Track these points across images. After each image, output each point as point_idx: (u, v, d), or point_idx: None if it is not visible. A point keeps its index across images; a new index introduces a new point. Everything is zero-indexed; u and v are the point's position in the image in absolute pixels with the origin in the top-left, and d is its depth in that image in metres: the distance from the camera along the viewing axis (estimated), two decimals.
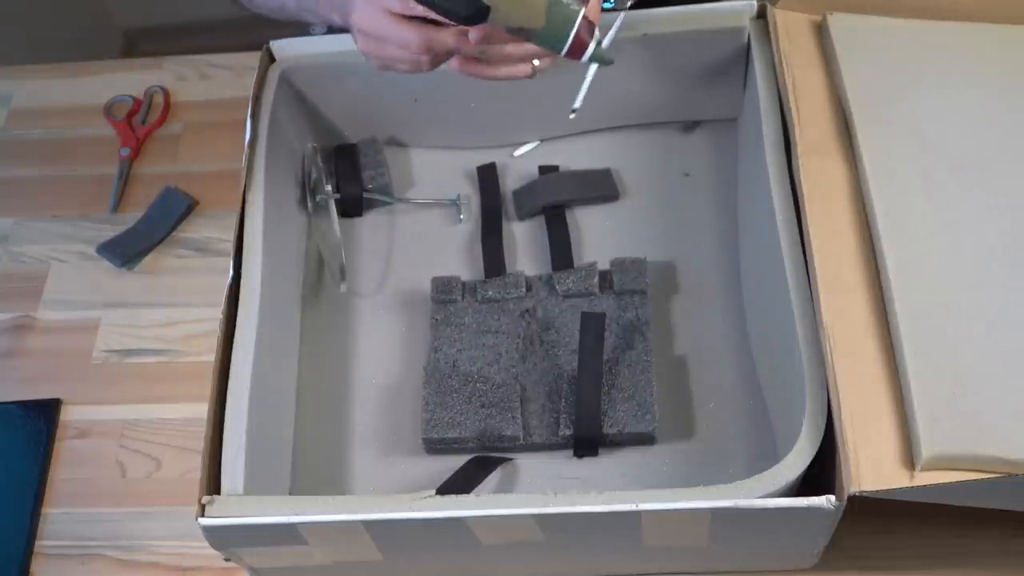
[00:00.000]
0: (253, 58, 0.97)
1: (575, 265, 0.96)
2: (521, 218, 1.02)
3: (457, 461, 0.86)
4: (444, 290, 0.95)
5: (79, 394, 0.98)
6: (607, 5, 0.74)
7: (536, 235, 1.00)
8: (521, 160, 1.05)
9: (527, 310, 0.93)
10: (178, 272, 1.05)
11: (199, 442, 0.76)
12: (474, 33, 0.70)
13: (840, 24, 0.89)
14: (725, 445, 0.87)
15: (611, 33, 0.69)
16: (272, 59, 0.98)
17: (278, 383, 0.88)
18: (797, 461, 0.72)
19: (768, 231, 0.84)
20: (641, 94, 1.01)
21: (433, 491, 0.73)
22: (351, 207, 1.02)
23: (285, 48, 0.98)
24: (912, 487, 0.68)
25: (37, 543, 0.91)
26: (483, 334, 0.92)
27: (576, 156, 1.04)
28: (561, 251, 0.98)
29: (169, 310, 1.03)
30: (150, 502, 0.92)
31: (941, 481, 0.68)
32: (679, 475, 0.86)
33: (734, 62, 0.96)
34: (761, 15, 0.93)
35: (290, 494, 0.86)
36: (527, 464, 0.88)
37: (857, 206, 0.80)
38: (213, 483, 0.76)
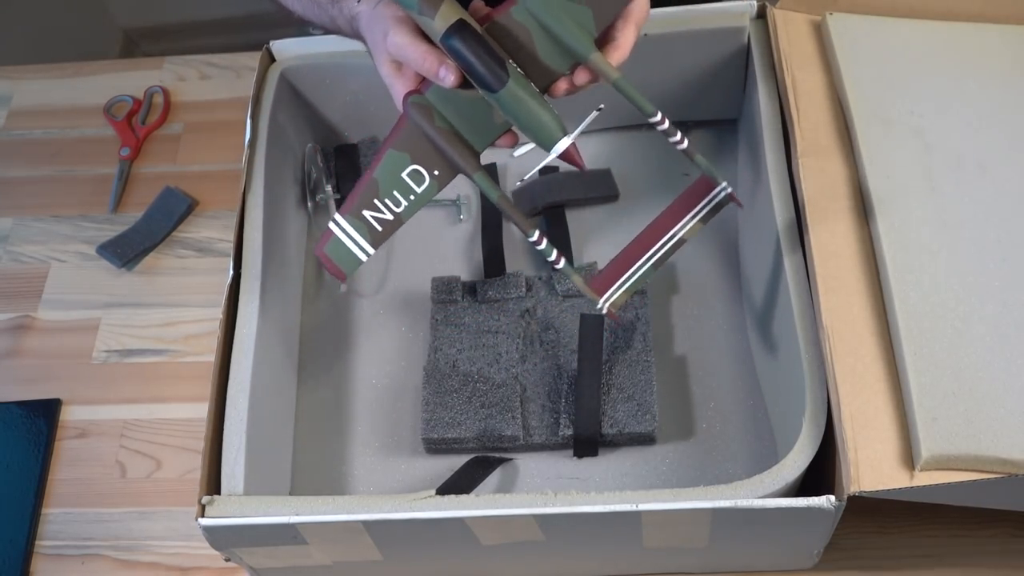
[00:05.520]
0: (253, 58, 0.98)
1: (575, 265, 0.96)
2: None
3: (457, 461, 0.87)
4: (444, 290, 0.95)
5: (79, 394, 0.98)
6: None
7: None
8: (521, 160, 1.05)
9: (527, 310, 0.93)
10: (178, 272, 1.05)
11: (199, 442, 0.76)
12: (450, 79, 0.70)
13: (840, 24, 0.89)
14: (725, 445, 0.87)
15: (578, 130, 0.72)
16: (272, 59, 0.98)
17: (278, 383, 0.88)
18: (797, 461, 0.72)
19: (768, 231, 0.84)
20: (641, 94, 1.01)
21: (433, 491, 0.73)
22: None
23: (285, 48, 0.98)
24: (912, 487, 0.68)
25: (37, 543, 0.91)
26: (483, 334, 0.92)
27: None
28: (561, 251, 0.97)
29: (169, 310, 1.03)
30: (150, 502, 0.92)
31: (940, 481, 0.68)
32: (679, 475, 0.86)
33: (734, 62, 0.96)
34: (761, 15, 0.93)
35: (290, 494, 0.87)
36: (527, 464, 0.88)
37: (857, 206, 0.80)
38: (213, 483, 0.76)
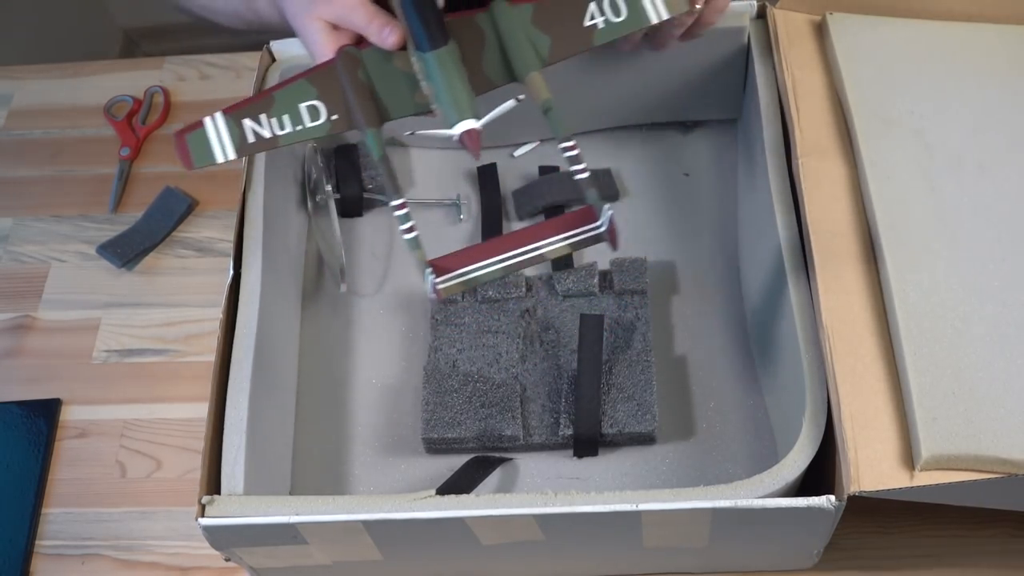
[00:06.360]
0: (253, 58, 0.97)
1: (575, 265, 0.96)
2: (521, 218, 1.02)
3: (457, 461, 0.87)
4: None
5: (79, 394, 0.98)
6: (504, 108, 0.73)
7: None
8: (521, 160, 1.05)
9: (527, 310, 0.93)
10: (178, 272, 1.05)
11: (199, 442, 0.76)
12: (392, 40, 0.72)
13: (840, 24, 0.89)
14: (725, 445, 0.87)
15: (490, 116, 0.72)
16: (272, 59, 0.98)
17: (278, 383, 0.88)
18: (797, 461, 0.72)
19: (768, 231, 0.84)
20: (641, 94, 1.01)
21: (433, 491, 0.73)
22: (351, 207, 1.02)
23: (285, 48, 0.98)
24: (912, 487, 0.68)
25: (37, 543, 0.91)
26: (483, 334, 0.92)
27: None
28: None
29: (169, 310, 1.03)
30: (150, 502, 0.92)
31: (940, 481, 0.68)
32: (679, 475, 0.86)
33: (734, 62, 0.96)
34: (761, 15, 0.93)
35: (290, 494, 0.87)
36: (527, 464, 0.88)
37: (857, 206, 0.80)
38: (213, 483, 0.76)
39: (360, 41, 0.74)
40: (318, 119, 0.73)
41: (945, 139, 0.82)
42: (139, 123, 1.16)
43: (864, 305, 0.75)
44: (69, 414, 0.98)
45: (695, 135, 1.05)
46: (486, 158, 1.04)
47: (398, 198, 0.70)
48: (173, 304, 1.03)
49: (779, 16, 0.91)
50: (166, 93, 1.18)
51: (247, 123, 0.73)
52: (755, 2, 0.93)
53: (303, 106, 0.73)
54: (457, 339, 0.92)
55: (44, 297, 1.05)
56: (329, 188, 0.99)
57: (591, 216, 0.70)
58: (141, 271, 1.06)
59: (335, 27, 0.74)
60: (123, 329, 1.02)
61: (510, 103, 0.71)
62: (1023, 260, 0.76)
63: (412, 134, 0.78)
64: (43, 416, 0.97)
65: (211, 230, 1.07)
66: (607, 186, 1.01)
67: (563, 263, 0.96)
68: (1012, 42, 0.89)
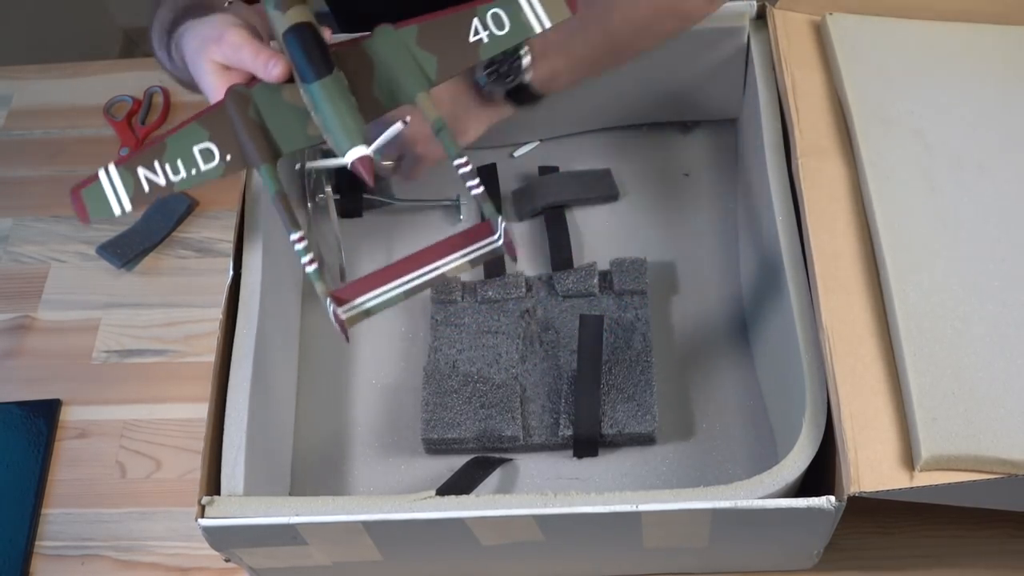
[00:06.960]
0: None
1: (575, 265, 0.96)
2: (521, 218, 1.02)
3: (457, 461, 0.87)
4: (444, 290, 0.95)
5: (79, 394, 0.98)
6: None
7: (536, 235, 1.00)
8: (521, 160, 1.05)
9: (527, 310, 0.93)
10: (178, 272, 1.05)
11: (199, 442, 0.76)
12: (276, 71, 0.72)
13: (840, 24, 0.89)
14: (725, 445, 0.87)
15: (379, 141, 0.71)
16: None
17: (278, 383, 0.88)
18: (797, 461, 0.72)
19: (768, 231, 0.84)
20: (641, 94, 1.01)
21: (433, 491, 0.73)
22: (351, 207, 1.02)
23: None
24: (911, 488, 0.68)
25: (37, 543, 0.91)
26: (483, 334, 0.92)
27: (576, 156, 1.04)
28: (561, 251, 0.98)
29: (169, 310, 1.03)
30: (150, 502, 0.92)
31: (940, 482, 0.68)
32: (679, 475, 0.86)
33: (734, 62, 0.96)
34: (761, 15, 0.93)
35: (290, 494, 0.87)
36: (527, 464, 0.88)
37: (857, 206, 0.80)
38: (213, 483, 0.76)
39: (252, 80, 0.74)
40: (212, 161, 0.72)
41: (945, 139, 0.82)
42: (139, 123, 1.16)
43: (864, 305, 0.75)
44: (69, 414, 0.98)
45: (695, 135, 1.05)
46: (486, 158, 1.04)
47: (296, 232, 0.70)
48: (173, 304, 1.03)
49: (779, 16, 0.91)
50: (166, 93, 1.18)
51: (141, 171, 0.72)
52: (755, 2, 0.93)
53: (196, 149, 0.72)
54: (457, 339, 0.92)
55: (44, 297, 1.05)
56: (329, 188, 0.99)
57: (487, 231, 0.71)
58: (141, 271, 1.06)
59: (226, 68, 0.74)
60: (123, 329, 1.02)
61: (398, 126, 0.71)
62: (1023, 260, 0.76)
63: (301, 167, 0.78)
64: (43, 416, 0.97)
65: (211, 230, 1.07)
66: (607, 186, 1.01)
67: (563, 263, 0.97)
68: (1012, 42, 0.89)
